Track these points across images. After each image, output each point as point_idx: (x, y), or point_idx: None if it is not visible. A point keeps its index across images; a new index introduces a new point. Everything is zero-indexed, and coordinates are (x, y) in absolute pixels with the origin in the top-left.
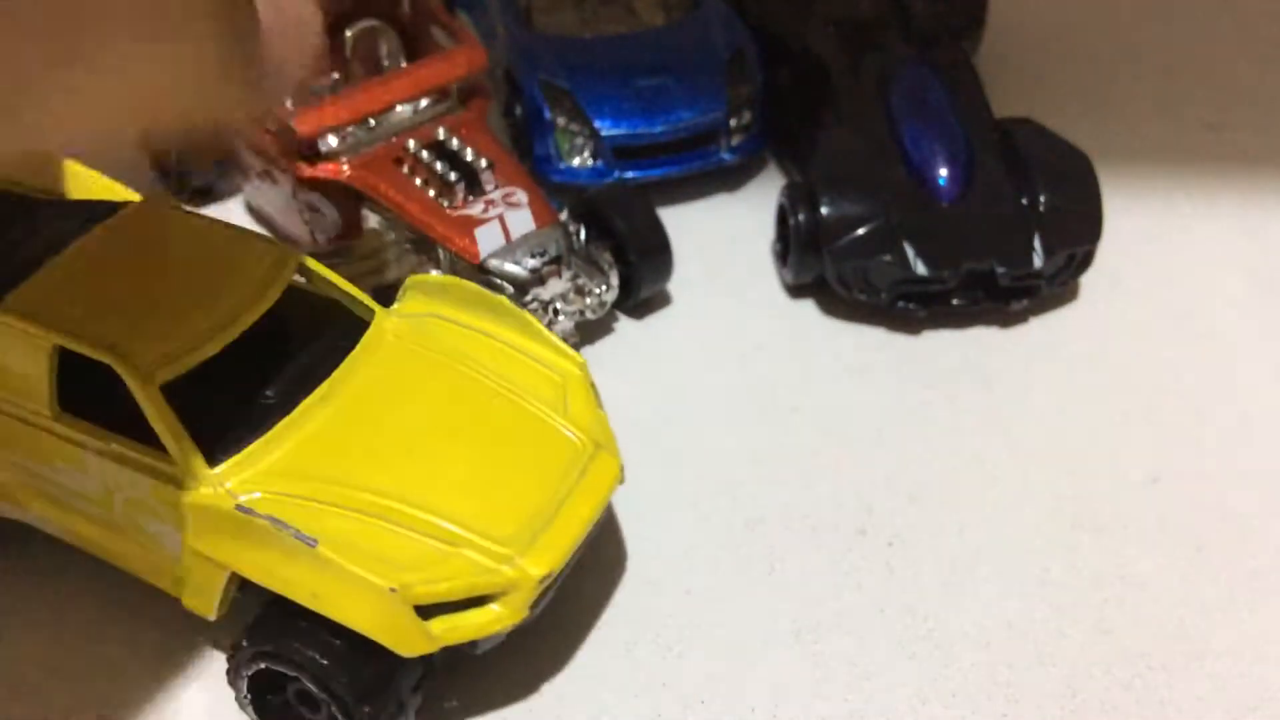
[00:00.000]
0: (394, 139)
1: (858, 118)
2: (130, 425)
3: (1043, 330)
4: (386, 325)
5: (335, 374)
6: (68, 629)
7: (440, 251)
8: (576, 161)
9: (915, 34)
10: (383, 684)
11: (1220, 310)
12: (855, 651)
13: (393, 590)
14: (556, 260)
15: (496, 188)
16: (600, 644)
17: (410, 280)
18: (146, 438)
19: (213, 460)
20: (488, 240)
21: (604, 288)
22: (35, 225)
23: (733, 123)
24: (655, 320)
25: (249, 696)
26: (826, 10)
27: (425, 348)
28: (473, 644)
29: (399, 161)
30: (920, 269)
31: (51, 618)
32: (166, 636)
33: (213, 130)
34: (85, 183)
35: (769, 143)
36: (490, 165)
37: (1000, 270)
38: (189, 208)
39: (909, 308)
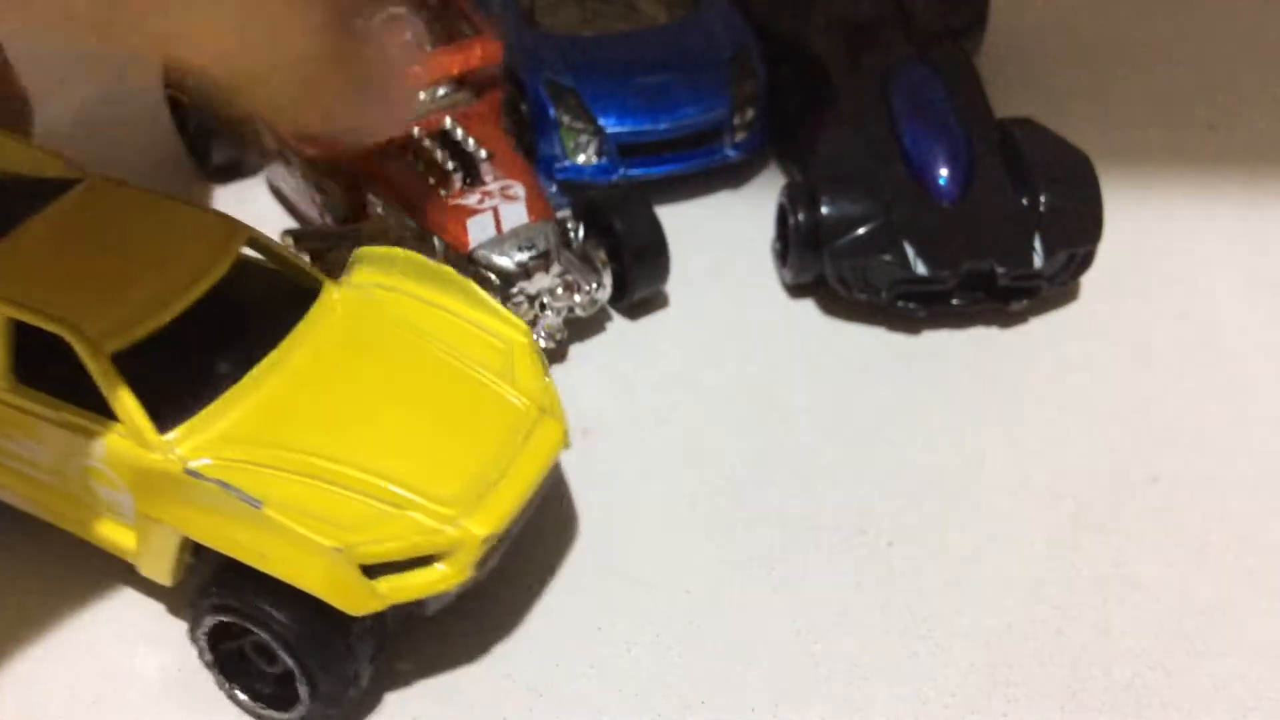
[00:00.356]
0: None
1: (858, 117)
2: (85, 396)
3: (1043, 330)
4: (334, 295)
5: (284, 343)
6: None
7: (435, 240)
8: (581, 159)
9: (916, 34)
10: (337, 636)
11: (1220, 310)
12: (855, 651)
13: (338, 550)
14: (545, 255)
15: (495, 179)
16: (600, 644)
17: (358, 252)
18: (100, 407)
19: (163, 427)
20: (479, 231)
21: (596, 286)
22: None
23: (736, 120)
24: (655, 319)
25: (210, 657)
26: (828, 10)
27: (372, 317)
28: (421, 604)
29: (403, 148)
30: (920, 269)
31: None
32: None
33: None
34: (10, 152)
35: (771, 141)
36: (490, 157)
37: (1000, 270)
38: (214, 185)
39: (909, 307)
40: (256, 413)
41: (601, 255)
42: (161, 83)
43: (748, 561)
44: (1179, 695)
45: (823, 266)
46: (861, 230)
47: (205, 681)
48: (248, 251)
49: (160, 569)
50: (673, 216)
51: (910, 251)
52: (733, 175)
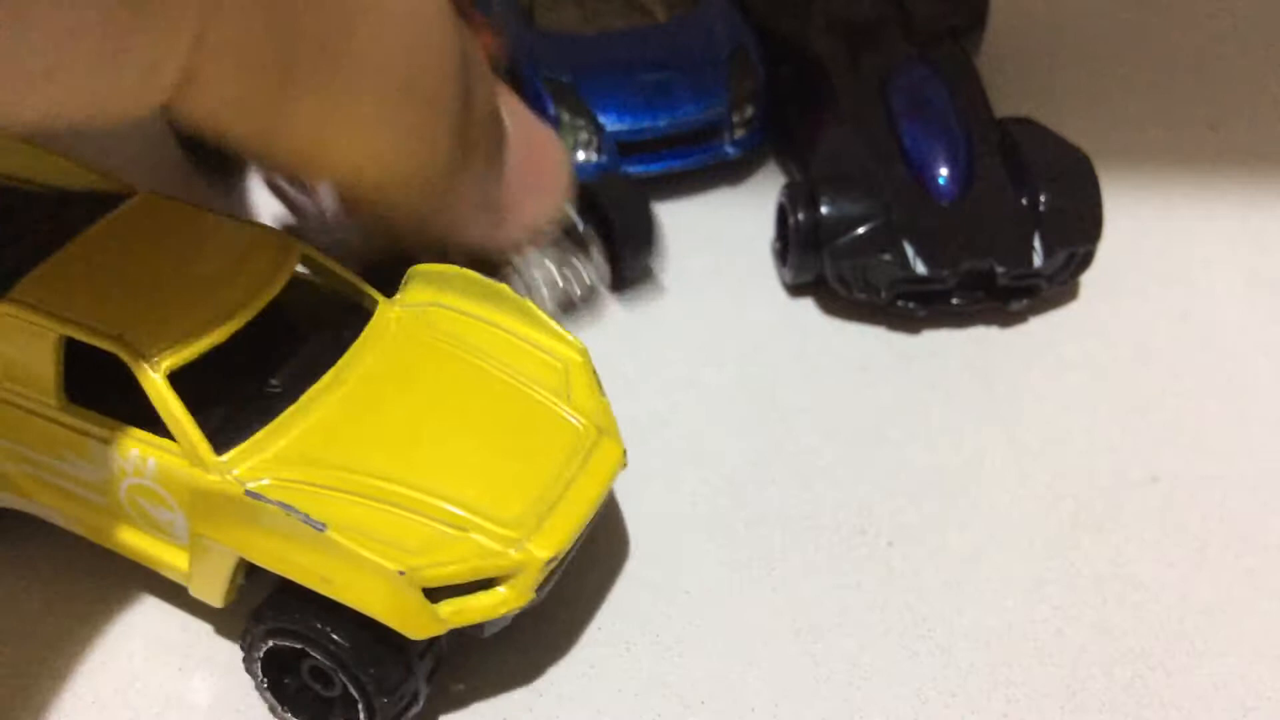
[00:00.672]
0: None
1: (858, 117)
2: (137, 414)
3: (1043, 330)
4: (390, 314)
5: (340, 362)
6: (71, 619)
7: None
8: (581, 156)
9: (916, 34)
10: (394, 656)
11: (1220, 310)
12: (855, 651)
13: (401, 573)
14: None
15: None
16: (600, 644)
17: (412, 270)
18: (153, 426)
19: (220, 448)
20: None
21: (590, 268)
22: (39, 217)
23: (735, 117)
24: (654, 319)
25: (265, 681)
26: (827, 10)
27: (428, 336)
28: (479, 627)
29: None
30: (920, 268)
31: (48, 609)
32: (173, 627)
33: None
34: (47, 165)
35: (771, 141)
36: None
37: (1000, 269)
38: (209, 181)
39: (909, 307)
40: (313, 433)
41: (596, 240)
42: None
43: (748, 561)
44: (1179, 695)
45: (822, 266)
46: (861, 230)
47: (253, 706)
48: (301, 269)
49: (212, 591)
50: (673, 215)
51: (910, 251)
52: (733, 175)
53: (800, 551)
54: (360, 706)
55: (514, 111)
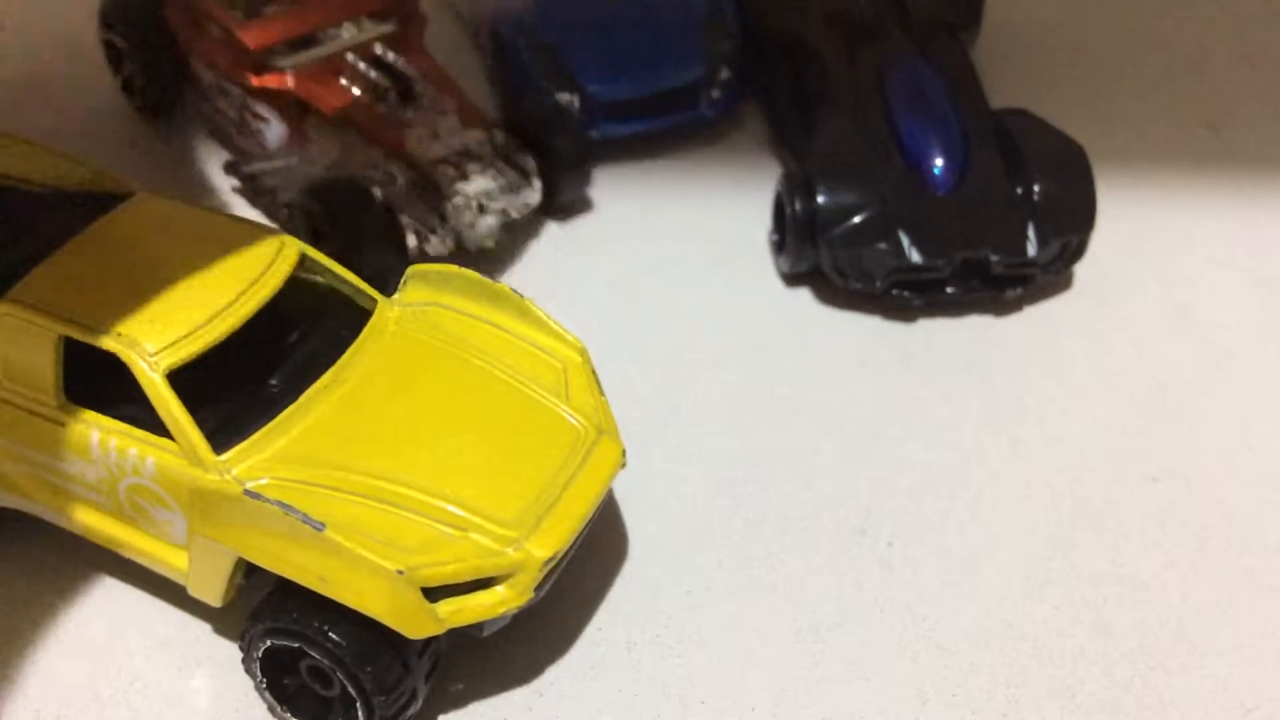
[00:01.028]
0: (335, 54)
1: (855, 109)
2: (135, 413)
3: (1043, 330)
4: (389, 314)
5: (339, 362)
6: (70, 619)
7: (379, 154)
8: None
9: (913, 28)
10: (393, 656)
11: (1220, 310)
12: (855, 651)
13: (400, 573)
14: (479, 158)
15: (428, 96)
16: (600, 644)
17: (411, 270)
18: (152, 426)
19: (219, 448)
20: (416, 141)
21: (527, 189)
22: (36, 217)
23: (712, 79)
24: (651, 314)
25: (264, 681)
26: (824, 3)
27: (428, 335)
28: (478, 626)
29: (338, 73)
30: (915, 257)
31: (47, 609)
32: (173, 626)
33: None
34: (46, 165)
35: (771, 134)
36: (423, 75)
37: (994, 258)
38: (149, 122)
39: (904, 296)
40: (312, 433)
41: (531, 162)
42: (98, 24)
43: (748, 561)
44: (1179, 695)
45: (818, 256)
46: (857, 219)
47: (252, 706)
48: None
49: (210, 590)
50: (670, 208)
51: (905, 240)
52: (729, 165)
53: (800, 551)
54: (359, 706)
55: None
